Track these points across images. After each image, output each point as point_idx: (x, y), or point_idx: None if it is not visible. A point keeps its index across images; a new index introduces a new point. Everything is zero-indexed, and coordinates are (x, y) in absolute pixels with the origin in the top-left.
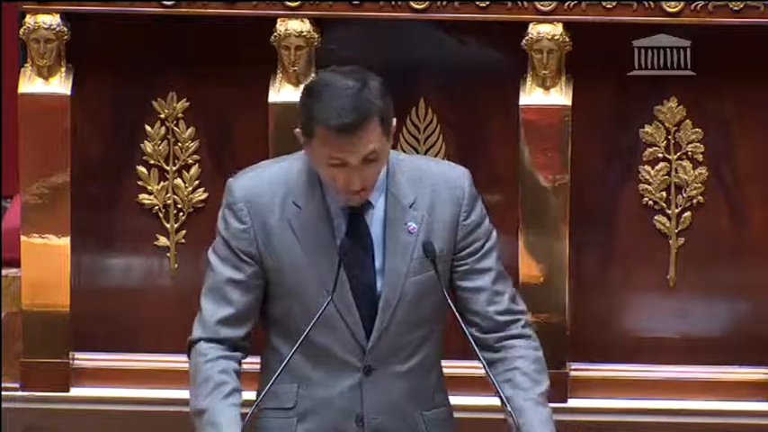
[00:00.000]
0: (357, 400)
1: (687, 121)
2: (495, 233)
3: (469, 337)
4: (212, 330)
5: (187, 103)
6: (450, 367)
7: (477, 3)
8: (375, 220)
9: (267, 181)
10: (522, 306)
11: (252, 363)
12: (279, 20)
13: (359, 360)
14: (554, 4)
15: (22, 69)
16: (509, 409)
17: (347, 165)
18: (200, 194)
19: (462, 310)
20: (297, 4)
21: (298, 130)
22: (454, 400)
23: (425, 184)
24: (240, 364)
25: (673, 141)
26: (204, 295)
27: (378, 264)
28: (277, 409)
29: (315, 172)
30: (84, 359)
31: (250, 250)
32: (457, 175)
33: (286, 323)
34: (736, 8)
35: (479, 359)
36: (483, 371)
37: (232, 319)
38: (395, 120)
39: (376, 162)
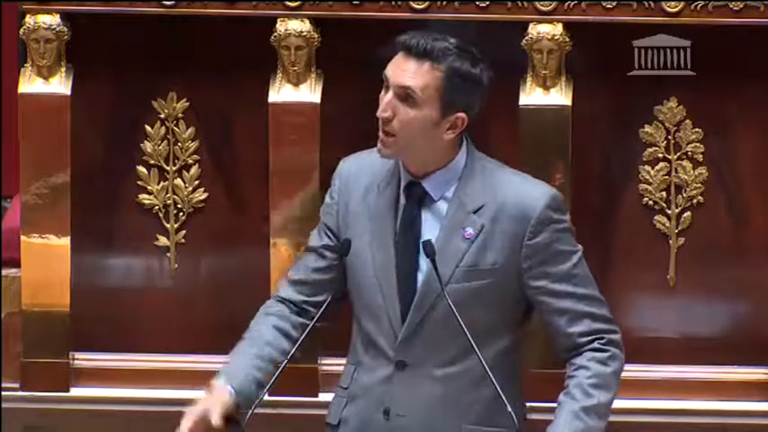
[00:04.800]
0: (387, 393)
1: (687, 121)
2: (576, 256)
3: (475, 346)
4: (284, 290)
5: (187, 103)
6: None
7: (477, 3)
8: (435, 216)
9: (367, 164)
10: (608, 325)
11: None
12: (279, 20)
13: (393, 351)
14: (554, 4)
15: (22, 69)
16: (509, 410)
17: (388, 89)
18: (200, 194)
19: (547, 331)
20: (297, 4)
21: None
22: None
23: (498, 194)
24: (304, 321)
25: (673, 141)
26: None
27: (423, 261)
28: (340, 387)
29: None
30: (84, 359)
31: (331, 225)
32: (536, 195)
33: (353, 307)
34: (736, 8)
35: (482, 363)
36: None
37: (300, 284)
38: (464, 114)
39: (411, 110)
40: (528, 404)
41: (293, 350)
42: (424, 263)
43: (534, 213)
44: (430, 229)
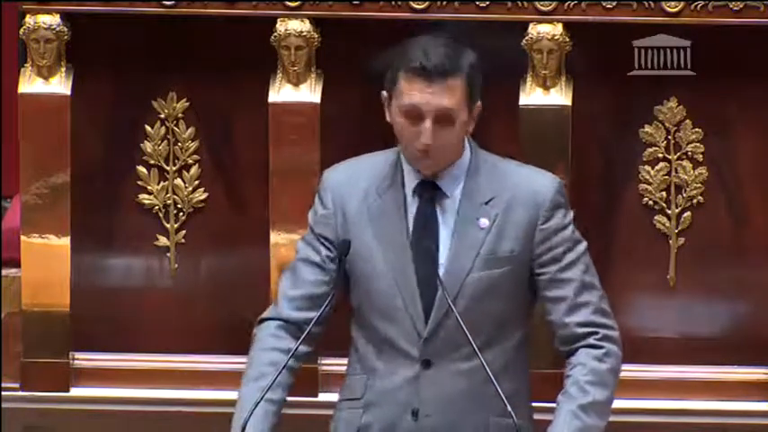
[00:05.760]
0: (414, 393)
1: (687, 121)
2: (582, 245)
3: (473, 344)
4: (280, 310)
5: (187, 103)
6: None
7: (477, 3)
8: (448, 212)
9: (358, 171)
10: (605, 320)
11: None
12: (279, 20)
13: (418, 352)
14: (554, 4)
15: (22, 69)
16: (509, 410)
17: (422, 118)
18: (200, 194)
19: (547, 319)
20: (297, 4)
21: (384, 92)
22: None
23: (507, 183)
24: (306, 349)
25: (673, 141)
26: (282, 273)
27: (443, 256)
28: (348, 400)
29: (398, 161)
30: (84, 359)
31: (328, 235)
32: (544, 182)
33: (360, 313)
34: (736, 8)
35: (482, 362)
36: None
37: (301, 300)
38: (479, 104)
39: (449, 127)
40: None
41: (292, 352)
42: (443, 261)
43: (547, 198)
44: (445, 225)
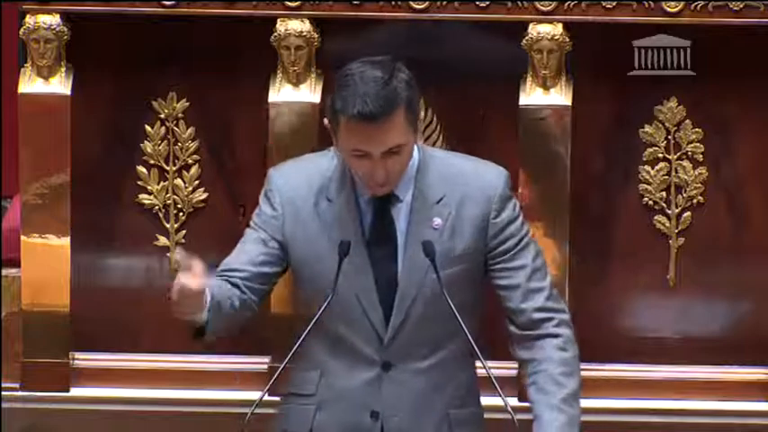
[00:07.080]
0: (374, 395)
1: (687, 121)
2: (530, 232)
3: (469, 336)
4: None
5: (187, 103)
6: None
7: (477, 3)
8: (401, 214)
9: (306, 173)
10: (558, 305)
11: (251, 362)
12: (279, 20)
13: (378, 354)
14: (554, 4)
15: (22, 69)
16: (509, 409)
17: (370, 156)
18: (200, 194)
19: (502, 308)
20: (297, 4)
21: (326, 119)
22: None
23: (457, 181)
24: (241, 295)
25: (673, 141)
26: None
27: (400, 258)
28: (298, 395)
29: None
30: (84, 359)
31: (276, 236)
32: (491, 175)
33: (309, 315)
34: (736, 8)
35: (481, 360)
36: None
37: (242, 272)
38: (422, 113)
39: (399, 155)
40: (527, 404)
41: (293, 350)
42: (400, 264)
43: (497, 192)
44: (400, 227)
